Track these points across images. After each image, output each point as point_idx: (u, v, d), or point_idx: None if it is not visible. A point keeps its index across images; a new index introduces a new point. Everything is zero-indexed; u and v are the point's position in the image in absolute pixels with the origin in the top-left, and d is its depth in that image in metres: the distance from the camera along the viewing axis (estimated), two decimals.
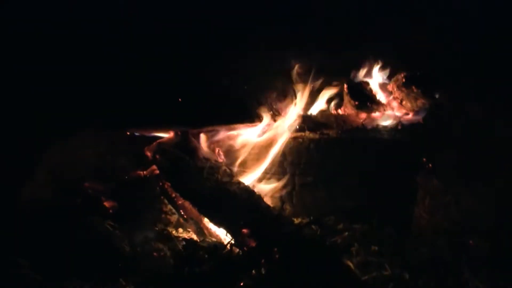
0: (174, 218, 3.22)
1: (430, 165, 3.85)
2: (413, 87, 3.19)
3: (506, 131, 4.11)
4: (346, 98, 3.32)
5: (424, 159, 3.78)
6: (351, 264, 2.86)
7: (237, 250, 2.65)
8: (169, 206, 3.20)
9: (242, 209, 2.77)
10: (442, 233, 3.21)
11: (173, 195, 3.06)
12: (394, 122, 3.13)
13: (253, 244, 2.64)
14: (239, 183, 2.91)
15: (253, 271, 2.56)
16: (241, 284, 2.49)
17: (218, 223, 2.83)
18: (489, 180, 3.67)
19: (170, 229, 3.13)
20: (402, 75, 3.33)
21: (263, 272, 2.56)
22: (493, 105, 4.31)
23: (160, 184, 3.12)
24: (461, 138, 4.01)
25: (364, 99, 3.23)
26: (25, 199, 3.24)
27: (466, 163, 3.87)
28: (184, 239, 2.92)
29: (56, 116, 3.79)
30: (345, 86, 3.33)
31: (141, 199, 3.23)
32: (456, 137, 4.02)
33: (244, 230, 2.68)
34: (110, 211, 3.25)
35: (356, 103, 3.23)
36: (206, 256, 2.69)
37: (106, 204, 3.30)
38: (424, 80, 3.23)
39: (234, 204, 2.79)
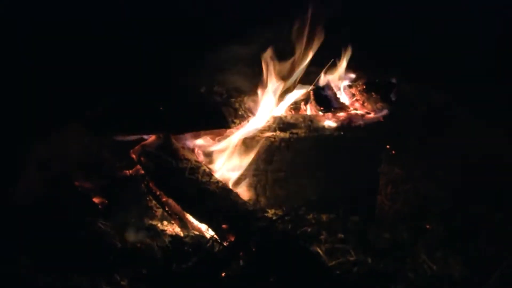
0: (159, 212, 3.46)
1: (394, 151, 4.19)
2: (372, 93, 3.50)
3: (465, 121, 4.45)
4: (312, 103, 3.60)
5: (388, 146, 4.12)
6: (320, 251, 3.20)
7: (218, 244, 2.96)
8: (154, 202, 3.46)
9: (221, 206, 3.05)
10: (402, 218, 3.56)
11: (158, 192, 3.33)
12: (357, 121, 3.43)
13: (232, 238, 2.95)
14: (218, 182, 3.18)
15: (233, 263, 2.89)
16: (223, 275, 2.81)
17: (200, 219, 3.12)
18: (446, 168, 4.02)
19: (155, 222, 3.39)
20: (362, 82, 3.62)
21: (242, 263, 2.89)
22: (453, 94, 4.63)
23: (145, 182, 3.38)
24: (422, 128, 4.34)
25: (328, 103, 3.51)
26: (17, 196, 3.43)
27: (425, 152, 4.21)
28: (170, 235, 3.21)
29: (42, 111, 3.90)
30: (311, 93, 3.62)
31: (128, 196, 3.49)
32: (417, 127, 4.36)
33: (224, 226, 2.98)
34: (100, 207, 3.52)
35: (321, 108, 3.52)
36: (191, 250, 3.02)
37: (96, 200, 3.56)
38: (382, 87, 3.54)
39: (214, 202, 3.07)
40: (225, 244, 2.95)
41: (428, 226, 3.44)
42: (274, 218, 3.27)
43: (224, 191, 3.14)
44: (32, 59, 4.18)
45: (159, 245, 3.09)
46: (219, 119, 3.29)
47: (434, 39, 5.03)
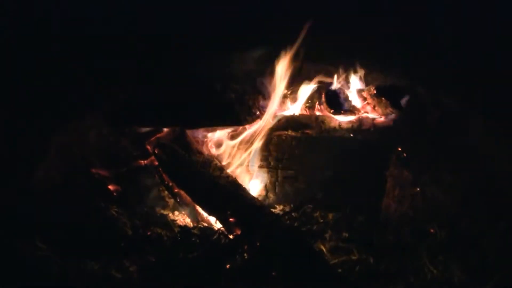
0: (171, 201, 3.61)
1: (405, 154, 4.23)
2: (383, 98, 3.55)
3: (478, 126, 4.45)
4: (324, 104, 3.68)
5: (399, 149, 4.17)
6: (323, 249, 3.29)
7: (225, 236, 3.08)
8: (166, 192, 3.59)
9: (230, 200, 3.16)
10: (406, 221, 3.62)
11: (170, 183, 3.46)
12: (367, 124, 3.50)
13: (238, 232, 3.06)
14: (228, 176, 3.30)
15: (238, 256, 3.00)
16: (227, 266, 2.92)
17: (209, 212, 3.24)
18: (454, 173, 4.05)
19: (167, 212, 3.53)
20: (373, 87, 3.68)
21: (246, 256, 3.00)
22: (466, 99, 4.63)
23: (158, 173, 3.51)
24: (433, 132, 4.37)
25: (339, 105, 3.58)
26: (36, 181, 3.59)
27: (436, 157, 4.24)
28: (179, 225, 3.33)
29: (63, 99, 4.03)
30: (323, 94, 3.69)
31: (141, 184, 3.63)
32: (429, 131, 4.38)
33: (231, 219, 3.10)
34: (114, 194, 3.66)
35: (332, 111, 3.60)
36: (198, 241, 3.14)
37: (111, 187, 3.71)
38: (392, 92, 3.59)
39: (223, 196, 3.19)
40: (231, 237, 3.07)
41: (432, 230, 3.49)
42: (281, 214, 3.40)
43: (233, 186, 3.25)
44: (56, 49, 4.30)
45: (168, 234, 3.23)
46: (232, 117, 3.39)
47: (451, 42, 5.01)
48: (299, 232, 3.20)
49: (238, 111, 3.38)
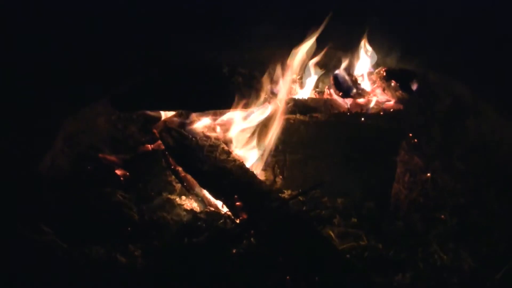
0: (178, 186, 3.56)
1: (416, 140, 4.18)
2: (392, 81, 3.48)
3: (491, 115, 4.37)
4: (333, 88, 3.62)
5: (410, 135, 4.11)
6: (332, 234, 3.25)
7: (231, 221, 3.05)
8: (173, 177, 3.56)
9: (237, 185, 3.12)
10: (417, 208, 3.57)
11: (177, 168, 3.42)
12: (377, 108, 3.44)
13: (245, 217, 3.02)
14: (235, 160, 3.25)
15: (244, 241, 2.97)
16: (233, 251, 2.89)
17: (216, 196, 3.19)
18: (465, 160, 3.98)
19: (174, 197, 3.49)
20: (383, 70, 3.61)
21: (253, 242, 2.96)
22: (479, 85, 4.56)
23: (165, 157, 3.48)
24: (445, 118, 4.30)
25: (348, 88, 3.52)
26: (43, 167, 3.58)
27: (447, 143, 4.18)
28: (185, 209, 3.30)
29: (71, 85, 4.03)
30: (331, 78, 3.63)
31: (148, 169, 3.60)
32: (441, 117, 4.31)
33: (238, 203, 3.05)
34: (122, 179, 3.64)
35: (340, 93, 3.53)
36: (204, 226, 3.11)
37: (118, 172, 3.68)
38: (402, 75, 3.51)
39: (229, 180, 3.14)
40: (237, 221, 3.04)
41: (442, 217, 3.44)
42: (290, 196, 3.36)
43: (240, 170, 3.20)
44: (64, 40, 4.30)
45: (174, 219, 3.20)
46: (238, 100, 3.33)
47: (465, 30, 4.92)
48: (307, 217, 3.15)
49: (244, 94, 3.33)
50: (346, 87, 3.50)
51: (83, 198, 3.25)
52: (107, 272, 2.67)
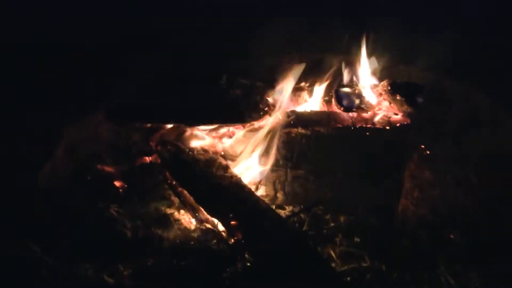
0: (176, 200, 3.47)
1: (428, 151, 4.00)
2: (397, 95, 3.31)
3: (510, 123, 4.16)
4: (334, 102, 3.46)
5: (422, 146, 3.94)
6: (333, 254, 3.10)
7: (224, 242, 2.93)
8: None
9: (232, 203, 3.00)
10: (425, 226, 3.39)
11: (174, 182, 3.32)
12: (383, 122, 3.26)
13: (240, 237, 2.90)
14: (232, 177, 3.13)
15: (238, 264, 2.85)
16: (225, 274, 2.77)
17: (211, 214, 3.08)
18: (480, 177, 3.78)
19: (171, 211, 3.38)
20: (387, 82, 3.43)
21: (247, 264, 2.84)
22: (498, 93, 4.35)
23: (162, 171, 3.37)
24: (459, 129, 4.11)
25: (350, 102, 3.35)
26: (43, 176, 3.51)
27: (460, 155, 3.99)
28: (179, 228, 3.19)
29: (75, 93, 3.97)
30: (333, 91, 3.48)
31: (146, 182, 3.50)
32: (455, 128, 4.12)
33: (233, 222, 2.93)
34: (120, 191, 3.55)
35: (342, 108, 3.38)
36: (197, 245, 3.00)
37: (117, 184, 3.60)
38: (408, 88, 3.33)
39: (225, 197, 3.03)
40: (232, 241, 2.92)
41: (451, 237, 3.26)
42: (286, 217, 3.24)
43: (237, 187, 3.08)
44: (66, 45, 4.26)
45: (168, 236, 3.10)
46: (235, 114, 3.21)
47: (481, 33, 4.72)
48: (305, 237, 3.01)
49: (242, 109, 3.20)
50: (347, 101, 3.34)
51: (76, 212, 3.16)
52: None
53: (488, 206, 3.53)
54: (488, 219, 3.41)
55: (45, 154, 3.57)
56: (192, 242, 3.00)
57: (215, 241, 2.99)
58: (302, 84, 3.86)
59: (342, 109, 3.36)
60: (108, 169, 3.58)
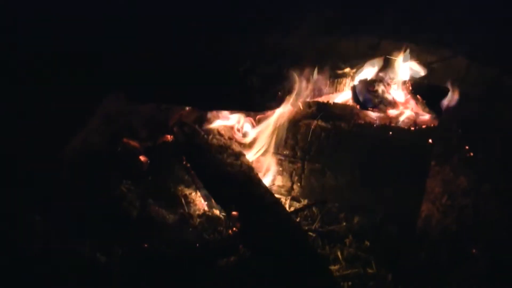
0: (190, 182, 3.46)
1: (472, 153, 3.70)
2: (418, 96, 3.02)
3: None
4: (352, 99, 3.24)
5: (467, 147, 3.65)
6: (339, 255, 2.97)
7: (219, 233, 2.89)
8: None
9: (237, 192, 2.93)
10: (447, 237, 3.14)
11: (188, 164, 3.30)
12: (408, 122, 3.02)
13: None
14: (241, 165, 3.05)
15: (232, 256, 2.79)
16: (218, 264, 2.74)
17: (216, 201, 3.04)
18: None
19: (183, 193, 3.37)
20: (409, 82, 3.15)
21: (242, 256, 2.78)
22: None
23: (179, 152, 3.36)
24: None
25: (368, 100, 3.11)
26: (76, 143, 3.61)
27: (506, 163, 3.65)
28: (190, 209, 3.18)
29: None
30: (351, 88, 3.25)
31: (164, 161, 3.50)
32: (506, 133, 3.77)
33: (234, 213, 2.87)
34: (144, 166, 3.58)
35: (357, 105, 3.15)
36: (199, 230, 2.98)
37: (142, 158, 3.63)
38: (430, 91, 3.03)
39: (230, 186, 2.96)
40: (230, 232, 2.87)
41: (473, 251, 3.00)
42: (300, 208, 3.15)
43: (244, 176, 3.00)
44: None
45: (173, 218, 3.09)
46: (251, 102, 3.10)
47: None
48: (306, 237, 2.89)
49: (257, 97, 3.08)
50: (364, 98, 3.11)
51: (89, 187, 3.22)
52: (81, 270, 2.62)
53: None
54: None
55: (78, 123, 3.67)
56: (190, 229, 2.97)
57: (219, 229, 2.96)
58: (347, 70, 3.67)
59: (357, 106, 3.15)
60: (133, 143, 3.61)
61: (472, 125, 3.83)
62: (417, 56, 3.85)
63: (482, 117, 3.91)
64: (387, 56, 3.42)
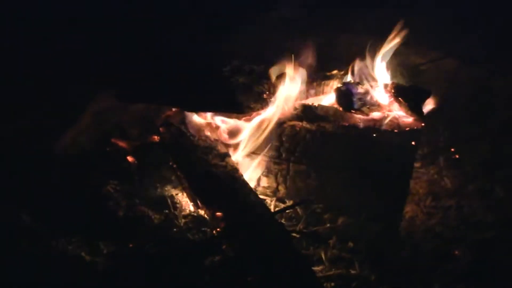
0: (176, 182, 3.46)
1: (457, 155, 3.74)
2: (401, 99, 3.04)
3: None
4: (335, 101, 3.25)
5: (452, 149, 3.69)
6: (323, 256, 2.98)
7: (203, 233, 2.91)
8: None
9: (221, 193, 2.95)
10: (430, 238, 3.17)
11: (174, 165, 3.31)
12: (392, 124, 3.03)
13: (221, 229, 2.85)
14: (226, 166, 3.07)
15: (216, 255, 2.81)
16: (200, 264, 2.75)
17: (201, 202, 3.05)
18: (508, 191, 3.47)
19: (169, 193, 3.37)
20: (392, 85, 3.16)
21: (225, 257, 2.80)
22: None
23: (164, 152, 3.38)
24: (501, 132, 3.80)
25: (351, 102, 3.12)
26: (65, 141, 3.63)
27: (491, 165, 3.68)
28: (175, 209, 3.19)
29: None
30: (333, 90, 3.27)
31: (151, 161, 3.51)
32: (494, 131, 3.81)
33: (218, 214, 2.89)
34: (131, 166, 3.60)
35: (340, 109, 3.16)
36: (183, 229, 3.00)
37: (129, 159, 3.65)
38: (412, 93, 3.04)
39: (215, 186, 2.98)
40: (215, 232, 2.89)
41: (456, 253, 3.03)
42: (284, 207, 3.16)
43: (229, 177, 3.02)
44: None
45: (159, 219, 3.10)
46: (234, 103, 3.11)
47: None
48: (289, 238, 2.91)
49: (241, 98, 3.09)
50: (347, 100, 3.12)
51: (77, 184, 3.25)
52: (66, 269, 2.64)
53: (509, 225, 3.24)
54: (503, 238, 3.13)
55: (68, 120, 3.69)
56: (175, 229, 2.99)
57: (203, 229, 2.98)
58: (335, 72, 3.69)
59: (340, 108, 3.17)
60: (121, 143, 3.63)
61: (459, 127, 3.87)
62: (406, 58, 3.89)
63: (469, 118, 3.96)
64: (372, 58, 3.42)
